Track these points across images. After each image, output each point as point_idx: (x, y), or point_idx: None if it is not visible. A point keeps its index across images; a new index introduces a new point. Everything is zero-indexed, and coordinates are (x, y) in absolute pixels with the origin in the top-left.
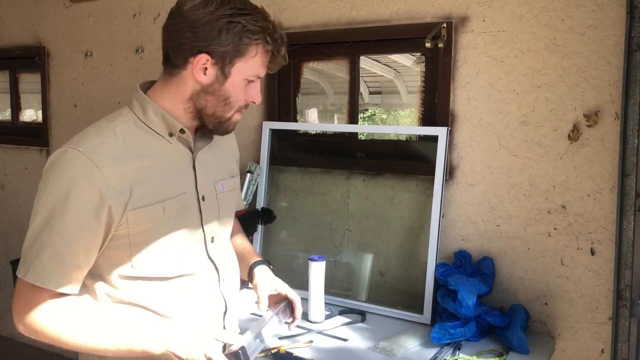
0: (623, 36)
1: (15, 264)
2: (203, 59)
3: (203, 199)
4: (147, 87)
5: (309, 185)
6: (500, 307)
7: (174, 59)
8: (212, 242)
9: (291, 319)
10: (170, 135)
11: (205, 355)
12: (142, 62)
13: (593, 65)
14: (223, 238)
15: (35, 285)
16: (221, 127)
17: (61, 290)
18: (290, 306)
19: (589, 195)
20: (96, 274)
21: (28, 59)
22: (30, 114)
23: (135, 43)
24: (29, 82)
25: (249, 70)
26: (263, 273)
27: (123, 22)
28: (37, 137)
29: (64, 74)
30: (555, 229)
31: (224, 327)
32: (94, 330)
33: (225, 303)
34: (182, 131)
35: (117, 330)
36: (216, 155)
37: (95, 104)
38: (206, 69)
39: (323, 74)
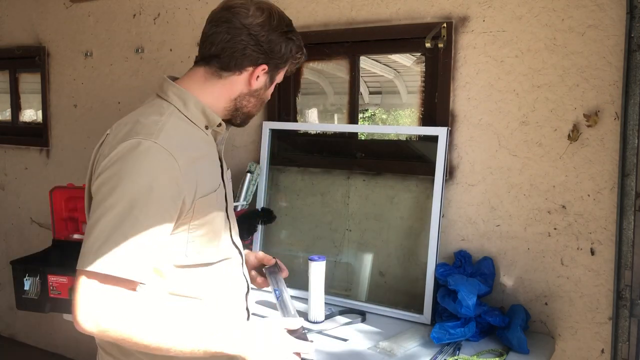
0: (623, 36)
1: (15, 264)
2: (261, 67)
3: (226, 188)
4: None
5: (309, 185)
6: (500, 307)
7: (231, 65)
8: (233, 228)
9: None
10: (206, 127)
11: None
12: (142, 62)
13: (593, 65)
14: (235, 221)
15: (114, 277)
16: (246, 122)
17: (142, 281)
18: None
19: (589, 195)
20: None
21: (28, 59)
22: (30, 114)
23: (135, 43)
24: (29, 82)
25: (282, 76)
26: (252, 251)
27: (123, 22)
28: (37, 137)
29: (64, 74)
30: (555, 229)
31: (247, 308)
32: (173, 330)
33: (247, 284)
34: (219, 125)
35: (195, 331)
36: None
37: (95, 104)
38: (259, 76)
39: (323, 74)
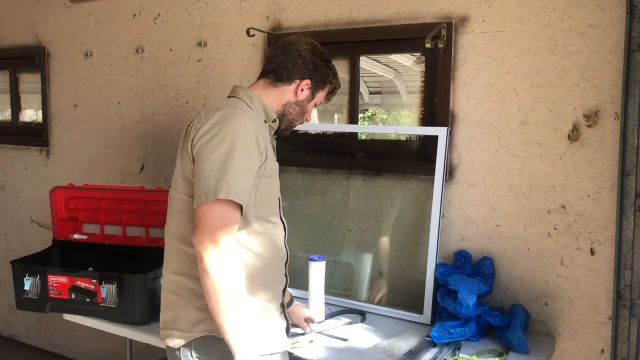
0: (623, 36)
1: (15, 264)
2: (306, 81)
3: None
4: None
5: (309, 185)
6: (500, 307)
7: (284, 76)
8: (281, 207)
9: None
10: (265, 122)
11: None
12: (142, 62)
13: (593, 65)
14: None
15: (233, 202)
16: (287, 130)
17: (244, 207)
18: None
19: (588, 195)
20: None
21: (28, 59)
22: (30, 114)
23: (135, 43)
24: (29, 82)
25: (320, 99)
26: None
27: (123, 22)
28: (37, 137)
29: (64, 74)
30: (555, 229)
31: (285, 274)
32: (233, 294)
33: (288, 254)
34: (274, 120)
35: (236, 303)
36: None
37: (95, 104)
38: (303, 90)
39: None
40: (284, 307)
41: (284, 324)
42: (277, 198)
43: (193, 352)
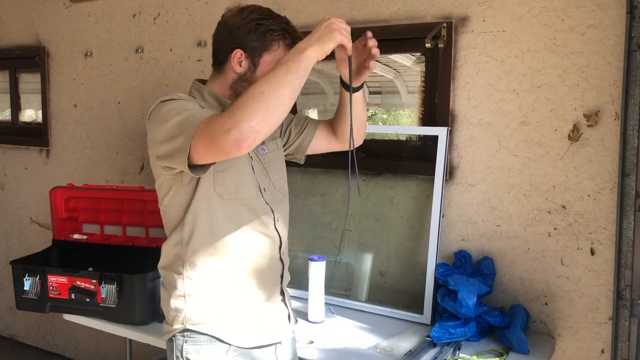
0: (623, 36)
1: (15, 264)
2: (238, 53)
3: (252, 158)
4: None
5: (309, 185)
6: (500, 307)
7: (220, 57)
8: (265, 191)
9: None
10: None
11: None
12: (142, 62)
13: (593, 65)
14: (274, 188)
15: (202, 123)
16: None
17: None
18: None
19: (589, 195)
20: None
21: (28, 59)
22: (30, 114)
23: (135, 43)
24: (29, 82)
25: (274, 62)
26: None
27: (123, 22)
28: (37, 137)
29: (64, 74)
30: (555, 229)
31: (280, 258)
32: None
33: (280, 236)
34: None
35: (278, 69)
36: None
37: (95, 104)
38: (241, 61)
39: (323, 74)
40: (284, 294)
41: (282, 312)
42: (248, 178)
43: (178, 345)
